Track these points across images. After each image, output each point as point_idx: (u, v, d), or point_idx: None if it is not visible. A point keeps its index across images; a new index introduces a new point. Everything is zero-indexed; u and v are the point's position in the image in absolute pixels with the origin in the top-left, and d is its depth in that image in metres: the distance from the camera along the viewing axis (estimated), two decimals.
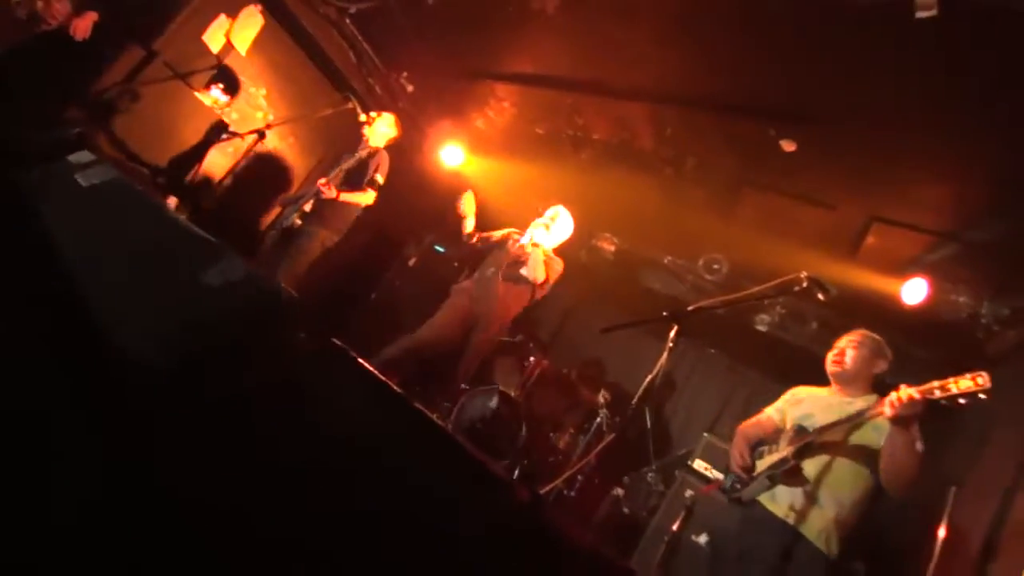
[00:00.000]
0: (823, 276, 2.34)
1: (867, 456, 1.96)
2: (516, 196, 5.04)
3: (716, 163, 3.52)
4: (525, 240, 3.43)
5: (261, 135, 3.43)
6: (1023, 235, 2.56)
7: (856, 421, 1.94)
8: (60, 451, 0.84)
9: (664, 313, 2.06)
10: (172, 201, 3.58)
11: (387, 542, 0.98)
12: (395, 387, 1.21)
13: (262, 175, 4.32)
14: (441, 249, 5.22)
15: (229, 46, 3.77)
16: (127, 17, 3.09)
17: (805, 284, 2.16)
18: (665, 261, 4.46)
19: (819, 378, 2.27)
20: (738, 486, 2.14)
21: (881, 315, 3.45)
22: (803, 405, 2.23)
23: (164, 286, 1.10)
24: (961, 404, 1.70)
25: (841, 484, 1.96)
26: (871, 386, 2.14)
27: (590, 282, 5.06)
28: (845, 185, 3.09)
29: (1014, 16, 1.73)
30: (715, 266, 4.02)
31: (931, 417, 3.25)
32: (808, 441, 1.99)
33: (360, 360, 1.21)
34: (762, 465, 2.11)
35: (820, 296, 2.19)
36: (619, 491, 4.00)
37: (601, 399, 4.23)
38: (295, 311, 1.39)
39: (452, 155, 4.81)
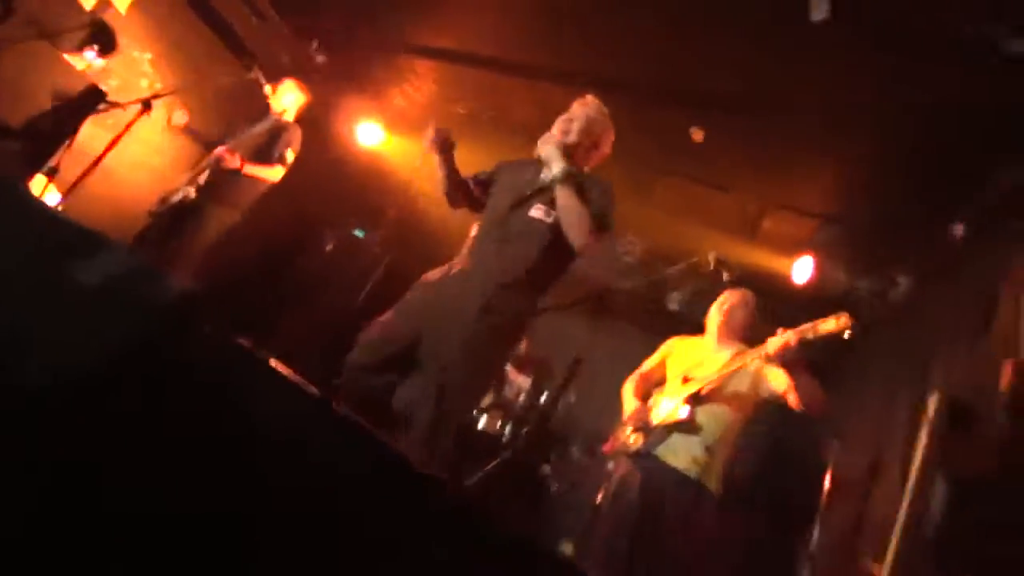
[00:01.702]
0: (728, 258, 2.53)
1: (747, 401, 2.17)
2: (436, 178, 4.93)
3: (632, 148, 3.63)
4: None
5: (146, 105, 3.06)
6: (891, 218, 2.91)
7: (741, 369, 2.13)
8: None
9: (584, 297, 2.11)
10: (40, 181, 3.12)
11: (300, 537, 0.93)
12: (308, 386, 1.15)
13: (149, 150, 3.88)
14: (360, 234, 5.00)
15: (106, 2, 3.31)
16: None
17: (712, 265, 2.32)
18: None
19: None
20: (634, 438, 2.24)
21: (778, 293, 3.81)
22: (685, 356, 2.39)
23: (27, 290, 0.95)
24: (830, 341, 1.94)
25: (730, 429, 2.16)
26: (744, 338, 2.36)
27: None
28: (746, 172, 3.34)
29: (899, 29, 1.92)
30: (629, 247, 4.20)
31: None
32: (698, 391, 2.16)
33: (272, 362, 1.13)
34: (655, 418, 2.23)
35: (724, 276, 2.37)
36: (546, 468, 4.13)
37: (527, 380, 4.32)
38: (195, 307, 1.26)
39: (370, 133, 4.58)
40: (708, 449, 2.12)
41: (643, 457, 2.18)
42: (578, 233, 1.80)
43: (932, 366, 2.36)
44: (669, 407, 2.21)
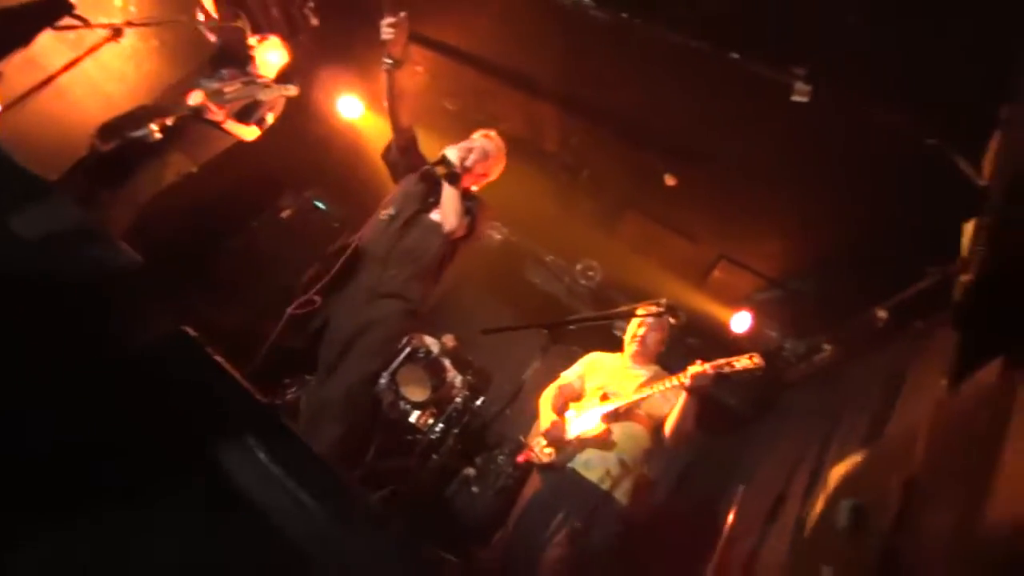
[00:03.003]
0: (677, 297, 2.68)
1: (658, 419, 2.33)
2: None
3: (608, 180, 3.77)
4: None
5: (117, 32, 2.84)
6: (826, 291, 3.19)
7: (656, 389, 2.30)
8: None
9: (544, 324, 2.17)
10: None
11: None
12: (241, 380, 1.14)
13: (109, 77, 3.58)
14: (322, 206, 4.84)
15: None
16: None
17: (663, 309, 2.45)
18: (547, 259, 4.67)
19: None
20: (548, 451, 2.32)
21: (712, 337, 4.05)
22: (602, 373, 2.52)
23: None
24: (742, 375, 2.22)
25: (639, 446, 2.30)
26: (656, 360, 2.57)
27: (472, 265, 5.11)
28: (707, 224, 3.54)
29: (872, 126, 2.11)
30: (590, 273, 4.33)
31: (733, 429, 3.88)
32: (616, 408, 2.29)
33: (211, 352, 1.11)
34: (572, 431, 2.32)
35: (671, 320, 2.51)
36: (471, 471, 4.17)
37: (464, 381, 4.34)
38: (142, 281, 1.22)
39: (350, 106, 4.45)
40: (623, 464, 2.24)
41: (556, 470, 2.27)
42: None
43: (835, 437, 2.61)
44: (586, 423, 2.31)
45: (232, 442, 1.01)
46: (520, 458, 3.03)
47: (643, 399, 2.29)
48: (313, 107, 4.46)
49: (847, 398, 2.81)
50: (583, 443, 2.24)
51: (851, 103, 2.12)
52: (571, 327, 2.31)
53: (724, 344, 4.04)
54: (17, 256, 1.07)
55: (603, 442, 2.24)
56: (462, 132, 4.16)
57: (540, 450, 2.33)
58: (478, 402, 4.37)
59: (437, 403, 4.32)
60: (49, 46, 2.98)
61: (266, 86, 3.26)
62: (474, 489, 4.08)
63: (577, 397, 2.46)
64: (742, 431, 4.06)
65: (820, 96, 2.15)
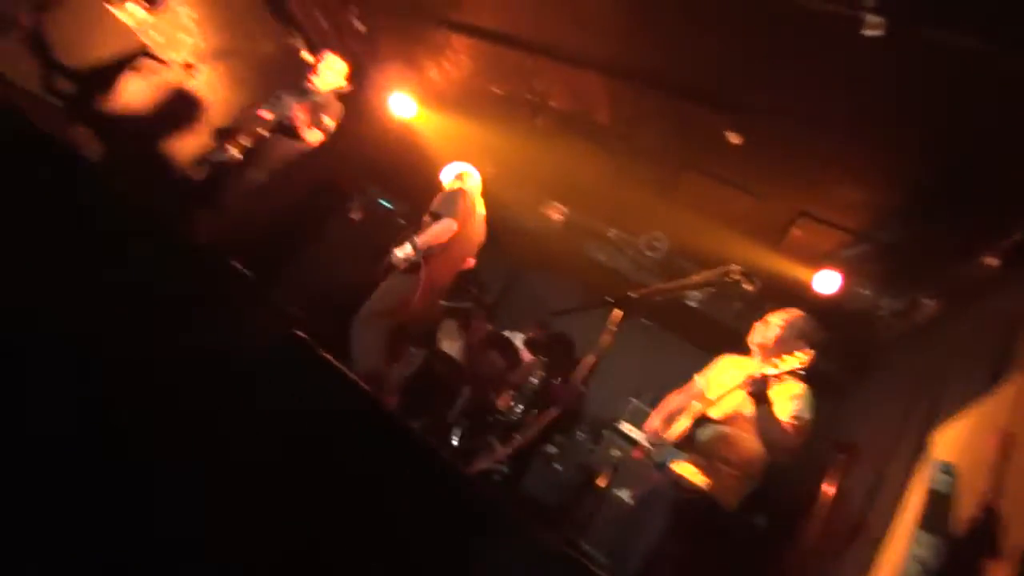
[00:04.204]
0: (751, 261, 2.53)
1: (749, 422, 2.20)
2: (466, 155, 4.93)
3: (666, 145, 3.61)
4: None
5: (189, 67, 3.13)
6: (923, 241, 2.87)
7: (725, 390, 2.21)
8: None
9: (610, 299, 2.16)
10: (87, 133, 3.22)
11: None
12: (356, 379, 1.24)
13: (188, 108, 3.94)
14: (388, 204, 5.06)
15: None
16: None
17: (736, 276, 2.34)
18: (610, 234, 4.59)
19: (737, 351, 2.48)
20: (653, 451, 2.37)
21: (795, 300, 3.78)
22: (726, 376, 2.41)
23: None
24: (800, 375, 2.07)
25: (732, 447, 2.21)
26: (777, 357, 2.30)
27: (536, 249, 5.13)
28: (779, 180, 3.29)
29: (952, 53, 1.88)
30: (656, 244, 4.20)
31: (829, 395, 3.66)
32: (702, 409, 2.24)
33: (323, 353, 1.22)
34: (674, 432, 2.32)
35: (747, 286, 2.40)
36: (553, 449, 4.27)
37: (540, 363, 4.41)
38: (252, 293, 1.35)
39: (403, 105, 4.59)
40: (709, 460, 2.20)
41: (659, 469, 2.30)
42: None
43: (943, 396, 2.38)
44: (681, 424, 2.31)
45: (348, 436, 1.11)
46: (635, 453, 3.10)
47: (712, 402, 2.24)
48: (368, 109, 4.64)
49: (954, 355, 2.55)
50: (679, 443, 2.26)
51: (926, 29, 1.88)
52: (640, 301, 2.26)
53: (809, 308, 3.78)
54: (144, 279, 1.21)
55: (688, 443, 2.23)
56: (511, 116, 4.19)
57: (647, 448, 2.40)
58: (555, 382, 4.43)
59: (515, 385, 4.45)
60: (134, 89, 3.33)
61: (321, 92, 3.47)
62: (557, 466, 4.17)
63: (699, 396, 2.41)
64: (838, 397, 3.80)
65: (893, 27, 1.92)
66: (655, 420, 2.43)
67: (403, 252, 3.06)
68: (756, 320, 2.48)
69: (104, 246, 1.08)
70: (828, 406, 3.74)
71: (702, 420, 2.24)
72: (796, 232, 3.50)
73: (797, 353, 2.02)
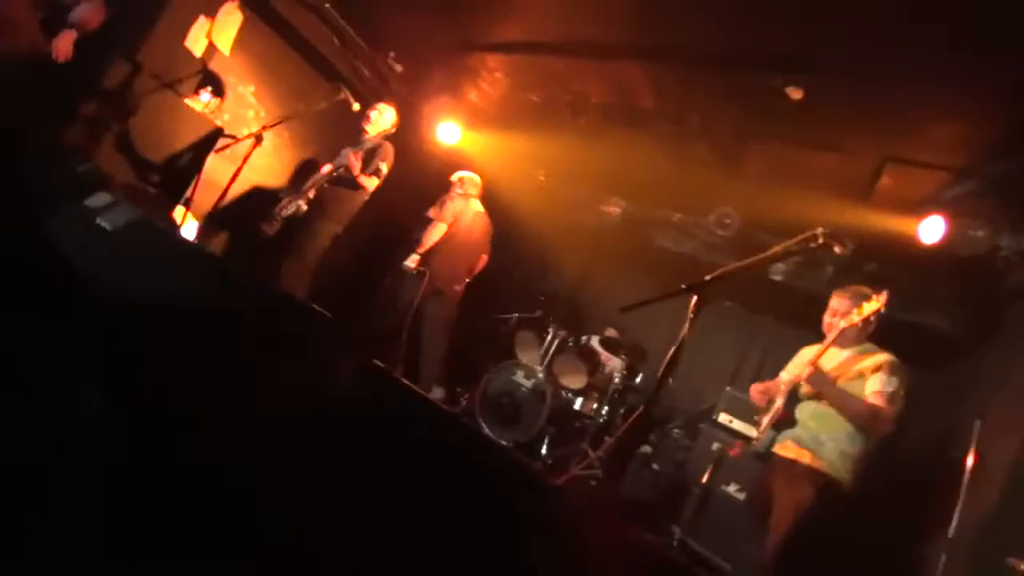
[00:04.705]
0: (837, 222, 2.34)
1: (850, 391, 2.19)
2: (516, 168, 4.97)
3: (719, 117, 3.43)
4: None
5: (258, 139, 3.41)
6: None
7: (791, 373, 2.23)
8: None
9: (683, 286, 2.06)
10: (179, 212, 3.60)
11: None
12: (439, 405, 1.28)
13: (263, 175, 4.30)
14: None
15: (212, 47, 3.69)
16: (105, 31, 3.02)
17: (822, 240, 2.15)
18: (674, 219, 4.41)
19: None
20: (754, 442, 2.33)
21: (899, 255, 3.42)
22: (803, 361, 2.37)
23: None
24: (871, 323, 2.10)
25: (831, 423, 2.18)
26: (867, 336, 2.32)
27: (600, 247, 5.04)
28: (854, 129, 3.01)
29: None
30: (726, 220, 3.97)
31: (953, 357, 3.26)
32: (792, 389, 2.22)
33: (403, 381, 1.27)
34: (767, 419, 2.29)
35: (836, 250, 2.20)
36: (647, 449, 4.12)
37: (620, 363, 4.30)
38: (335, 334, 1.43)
39: (448, 132, 4.73)
40: (812, 438, 2.20)
41: (761, 456, 2.29)
42: None
43: None
44: (772, 408, 2.30)
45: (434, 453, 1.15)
46: (733, 451, 3.06)
47: (793, 380, 2.23)
48: (418, 142, 4.82)
49: None
50: (775, 426, 2.24)
51: None
52: (716, 283, 2.14)
53: (915, 261, 3.39)
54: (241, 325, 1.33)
55: (785, 421, 2.23)
56: (554, 120, 4.18)
57: (746, 442, 2.48)
58: (637, 380, 4.30)
59: (597, 388, 4.36)
60: (216, 167, 3.69)
61: (374, 138, 3.66)
62: (655, 466, 4.02)
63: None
64: (966, 359, 3.36)
65: None
66: (756, 392, 2.43)
67: (411, 260, 3.92)
68: (854, 278, 2.41)
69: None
70: (957, 371, 3.33)
71: (791, 395, 2.23)
72: (886, 181, 3.18)
73: (874, 299, 2.07)
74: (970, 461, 2.46)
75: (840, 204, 3.34)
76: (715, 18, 2.66)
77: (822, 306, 2.56)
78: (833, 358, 2.29)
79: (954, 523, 2.37)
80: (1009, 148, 2.54)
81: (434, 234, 3.91)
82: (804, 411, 2.22)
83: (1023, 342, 2.76)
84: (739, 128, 3.43)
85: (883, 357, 2.19)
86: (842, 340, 2.27)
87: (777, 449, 2.25)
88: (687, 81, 3.27)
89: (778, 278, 4.22)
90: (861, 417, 2.12)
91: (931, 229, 3.13)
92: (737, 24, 2.65)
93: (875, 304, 2.08)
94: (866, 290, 2.27)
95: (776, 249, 2.43)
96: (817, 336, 2.40)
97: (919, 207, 3.14)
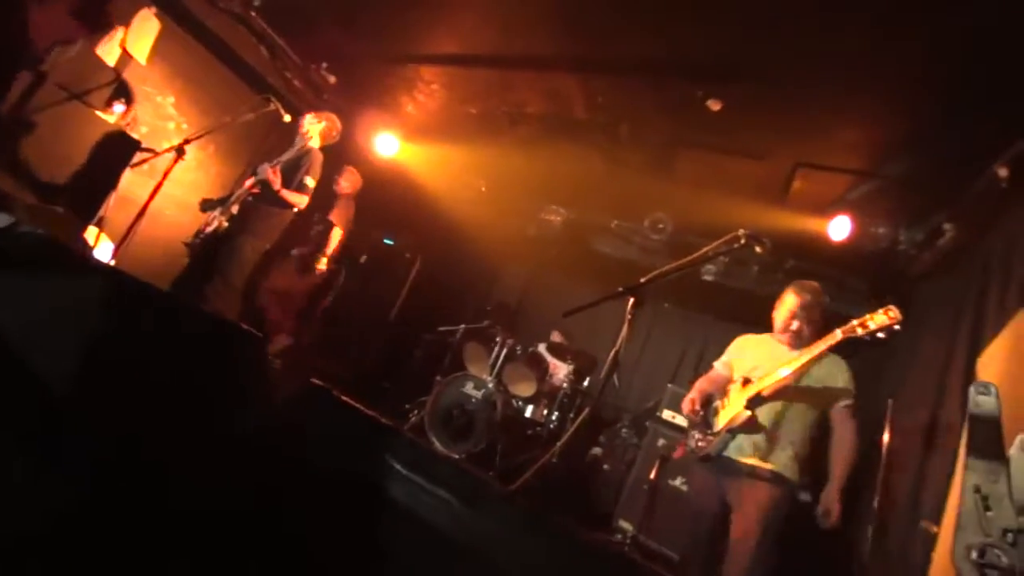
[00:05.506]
0: (758, 223, 2.47)
1: (813, 395, 2.18)
2: (457, 179, 4.99)
3: (649, 125, 3.60)
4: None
5: (180, 152, 3.21)
6: (929, 167, 2.79)
7: (793, 367, 2.13)
8: None
9: (620, 289, 2.13)
10: (92, 233, 3.34)
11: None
12: (371, 413, 1.25)
13: (187, 190, 4.07)
14: (390, 242, 5.13)
15: (127, 56, 3.47)
16: (2, 40, 2.78)
17: (744, 240, 2.29)
18: (612, 226, 4.57)
19: (764, 316, 2.42)
20: (702, 444, 2.27)
21: (813, 252, 3.71)
22: (748, 356, 2.37)
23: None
24: (882, 339, 1.94)
25: (794, 425, 2.16)
26: (816, 335, 2.28)
27: (542, 255, 5.13)
28: (771, 136, 3.24)
29: None
30: (660, 225, 4.16)
31: (869, 345, 3.52)
32: (758, 392, 2.16)
33: (340, 396, 1.24)
34: (721, 420, 2.24)
35: (757, 249, 2.34)
36: (597, 450, 4.20)
37: (568, 368, 4.37)
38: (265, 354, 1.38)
39: (386, 144, 4.67)
40: (771, 441, 2.15)
41: (712, 460, 2.23)
42: None
43: (987, 315, 2.28)
44: (732, 410, 2.23)
45: (378, 464, 1.12)
46: (676, 454, 2.98)
47: (779, 381, 2.15)
48: (354, 154, 4.73)
49: (988, 276, 2.45)
50: (733, 430, 2.18)
51: None
52: (651, 285, 2.21)
53: (828, 257, 3.69)
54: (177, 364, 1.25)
55: (750, 427, 2.15)
56: (493, 131, 4.23)
57: (695, 443, 2.30)
58: (585, 383, 4.39)
59: (547, 394, 4.41)
60: (133, 183, 3.45)
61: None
62: (606, 467, 4.10)
63: (725, 382, 2.37)
64: (882, 345, 3.66)
65: None
66: (692, 402, 2.35)
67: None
68: (774, 274, 2.44)
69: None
70: (871, 353, 3.63)
71: (755, 399, 2.17)
72: (798, 184, 3.44)
73: (890, 312, 1.92)
74: (886, 438, 2.67)
75: (759, 207, 3.60)
76: (642, 30, 2.79)
77: (752, 301, 2.67)
78: (783, 355, 2.25)
79: (876, 497, 2.55)
80: (902, 152, 2.82)
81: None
82: (760, 414, 2.17)
83: (929, 319, 3.02)
84: (667, 136, 3.62)
85: (846, 371, 2.21)
86: (795, 339, 2.28)
87: (733, 454, 2.19)
88: (617, 91, 3.41)
89: (710, 278, 4.45)
90: (840, 424, 2.15)
91: (839, 228, 3.42)
92: (663, 36, 2.79)
93: (884, 319, 1.93)
94: (817, 288, 2.32)
95: (703, 251, 2.56)
96: (750, 329, 2.47)
97: (829, 208, 3.42)
